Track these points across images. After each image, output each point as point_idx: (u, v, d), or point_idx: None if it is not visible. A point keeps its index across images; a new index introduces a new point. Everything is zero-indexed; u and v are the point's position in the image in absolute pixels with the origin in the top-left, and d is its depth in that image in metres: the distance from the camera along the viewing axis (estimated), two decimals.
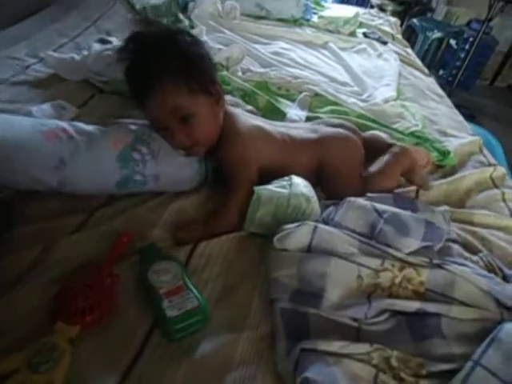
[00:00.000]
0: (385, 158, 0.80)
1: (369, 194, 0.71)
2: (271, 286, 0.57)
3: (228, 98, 1.00)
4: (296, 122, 0.97)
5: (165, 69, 0.66)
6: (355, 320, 0.54)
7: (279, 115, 1.03)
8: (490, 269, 0.63)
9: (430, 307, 0.53)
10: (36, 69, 1.09)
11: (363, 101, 1.18)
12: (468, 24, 3.14)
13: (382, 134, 0.94)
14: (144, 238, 0.64)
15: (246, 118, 0.80)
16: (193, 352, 0.50)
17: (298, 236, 0.60)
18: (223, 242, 0.65)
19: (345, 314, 0.54)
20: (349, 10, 1.93)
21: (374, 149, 0.85)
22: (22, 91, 0.99)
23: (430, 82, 1.47)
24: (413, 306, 0.53)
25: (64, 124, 0.69)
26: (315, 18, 1.83)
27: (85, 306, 0.49)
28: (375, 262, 0.56)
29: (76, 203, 0.68)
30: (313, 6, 1.95)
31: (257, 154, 0.75)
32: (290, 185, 0.67)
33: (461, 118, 1.25)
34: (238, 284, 0.60)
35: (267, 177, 0.73)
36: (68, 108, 0.90)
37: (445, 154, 0.96)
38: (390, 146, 0.84)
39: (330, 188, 0.78)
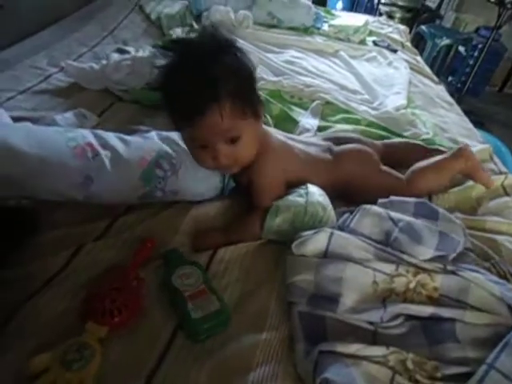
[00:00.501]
0: (440, 156, 0.83)
1: (392, 198, 0.72)
2: (289, 290, 0.59)
3: None
4: (309, 135, 0.98)
5: (224, 89, 0.61)
6: (371, 323, 0.56)
7: (292, 123, 1.05)
8: (502, 275, 0.64)
9: (444, 312, 0.55)
10: (57, 78, 1.13)
11: (374, 109, 1.20)
12: (477, 31, 3.15)
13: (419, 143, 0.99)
14: (165, 244, 0.66)
15: (275, 134, 0.80)
16: (215, 353, 0.52)
17: (314, 242, 0.62)
18: (241, 248, 0.68)
19: (361, 317, 0.56)
20: (358, 19, 1.95)
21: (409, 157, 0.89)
22: (44, 100, 1.03)
23: (440, 90, 1.49)
24: (427, 310, 0.55)
25: (90, 137, 0.70)
26: (326, 27, 1.85)
27: (112, 308, 0.52)
28: (390, 268, 0.58)
29: (98, 210, 0.70)
30: (323, 14, 1.98)
31: (284, 172, 0.76)
32: (307, 193, 0.70)
33: (470, 125, 1.26)
34: (256, 289, 0.62)
35: (288, 188, 0.75)
36: (89, 116, 0.94)
37: None
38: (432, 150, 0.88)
39: (361, 199, 0.74)
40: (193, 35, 0.69)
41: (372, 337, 0.55)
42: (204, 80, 0.61)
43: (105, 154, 0.69)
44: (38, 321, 0.53)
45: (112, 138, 0.72)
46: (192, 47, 0.66)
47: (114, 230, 0.68)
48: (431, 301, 0.57)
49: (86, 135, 0.70)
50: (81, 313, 0.53)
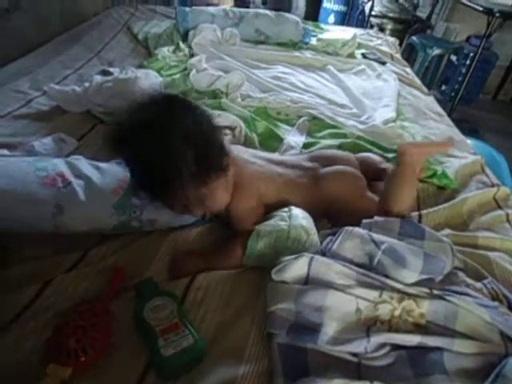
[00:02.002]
0: (392, 173, 0.76)
1: (376, 218, 0.69)
2: (268, 320, 0.56)
3: (231, 118, 1.01)
4: (294, 153, 0.97)
5: (182, 171, 0.61)
6: (355, 355, 0.53)
7: (277, 141, 1.03)
8: (494, 296, 0.61)
9: (432, 341, 0.51)
10: (39, 102, 1.12)
11: (362, 123, 1.19)
12: (467, 40, 3.16)
13: (373, 156, 0.95)
14: (141, 273, 0.63)
15: (246, 161, 0.78)
16: None
17: (294, 268, 0.59)
18: (221, 274, 0.65)
19: (344, 349, 0.53)
20: (347, 32, 1.95)
21: (366, 172, 0.86)
22: (24, 124, 1.01)
23: (430, 101, 1.47)
24: (414, 339, 0.52)
25: (62, 165, 0.68)
26: (314, 41, 1.85)
27: (77, 347, 0.49)
28: (373, 294, 0.55)
29: (71, 242, 0.67)
30: (312, 28, 1.98)
31: (261, 197, 0.74)
32: (290, 216, 0.67)
33: (461, 136, 1.24)
34: (236, 318, 0.59)
35: (268, 210, 0.73)
36: (68, 141, 0.92)
37: (444, 177, 0.95)
38: (384, 170, 0.83)
39: (342, 222, 0.72)
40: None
41: (356, 369, 0.52)
42: (163, 166, 0.61)
43: (77, 183, 0.67)
44: (6, 360, 0.50)
45: (86, 166, 0.71)
46: (137, 143, 0.62)
47: (86, 261, 0.65)
48: (418, 328, 0.54)
49: (58, 164, 0.69)
50: (44, 353, 0.50)
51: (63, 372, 0.47)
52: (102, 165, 0.72)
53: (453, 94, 2.96)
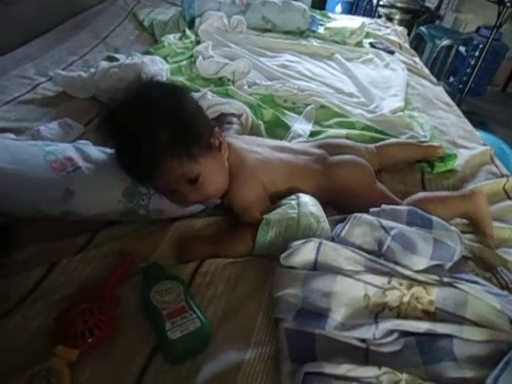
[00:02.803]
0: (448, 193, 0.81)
1: (384, 206, 0.68)
2: (275, 305, 0.56)
3: (237, 104, 1.00)
4: (301, 141, 0.95)
5: (161, 149, 0.62)
6: (363, 341, 0.53)
7: (284, 129, 1.02)
8: (504, 286, 0.61)
9: (441, 328, 0.51)
10: (45, 87, 1.11)
11: (370, 112, 1.17)
12: (477, 31, 3.11)
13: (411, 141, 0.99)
14: (147, 258, 0.63)
15: (250, 150, 0.77)
16: (195, 375, 0.48)
17: (303, 253, 0.58)
18: (228, 260, 0.64)
19: (352, 334, 0.52)
20: (355, 21, 1.92)
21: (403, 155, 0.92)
22: (30, 110, 1.00)
23: (438, 91, 1.45)
24: (422, 326, 0.51)
25: (70, 150, 0.68)
26: (321, 30, 1.82)
27: (84, 329, 0.49)
28: (382, 280, 0.55)
29: (77, 226, 0.67)
30: (319, 17, 1.96)
31: (266, 185, 0.73)
32: (298, 204, 0.66)
33: (471, 127, 1.22)
34: (243, 303, 0.59)
35: (276, 199, 0.72)
36: (74, 126, 0.91)
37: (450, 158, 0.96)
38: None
39: (348, 211, 0.72)
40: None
41: (364, 355, 0.52)
42: (140, 146, 0.62)
43: (86, 166, 0.66)
44: (7, 343, 0.50)
45: (94, 151, 0.70)
46: (119, 120, 0.64)
47: (93, 244, 0.65)
48: (427, 315, 0.53)
49: (66, 149, 0.68)
50: (51, 334, 0.50)
51: (71, 354, 0.47)
52: (110, 151, 0.71)
53: (461, 85, 2.92)
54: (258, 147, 0.80)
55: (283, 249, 0.61)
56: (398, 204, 0.72)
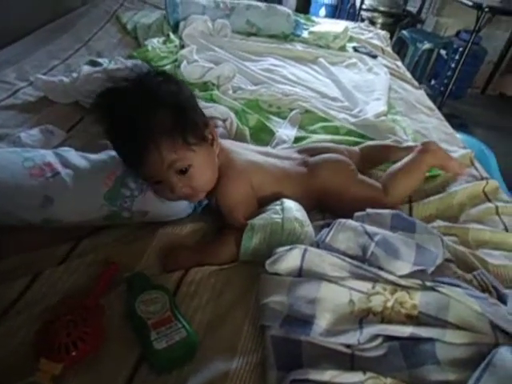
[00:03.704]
0: (407, 157, 0.84)
1: (368, 210, 0.69)
2: (261, 312, 0.56)
3: (222, 109, 1.01)
4: (285, 147, 0.96)
5: (158, 127, 0.61)
6: (348, 346, 0.53)
7: (269, 134, 1.03)
8: (484, 288, 0.62)
9: (424, 332, 0.52)
10: (26, 92, 1.09)
11: (354, 116, 1.19)
12: (457, 35, 3.18)
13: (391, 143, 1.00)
14: (132, 267, 0.62)
15: (239, 152, 0.77)
16: None
17: (288, 259, 0.59)
18: (213, 268, 0.64)
19: (337, 340, 0.53)
20: (338, 25, 1.94)
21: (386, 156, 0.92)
22: (10, 116, 0.98)
23: (420, 95, 1.48)
24: (406, 330, 0.52)
25: (49, 156, 0.67)
26: (305, 34, 1.84)
27: (68, 342, 0.48)
28: (367, 286, 0.55)
29: (61, 234, 0.66)
30: (303, 21, 1.97)
31: (254, 188, 0.73)
32: (283, 209, 0.67)
33: (451, 130, 1.25)
34: (229, 311, 0.58)
35: (262, 204, 0.72)
36: (56, 132, 0.90)
37: None
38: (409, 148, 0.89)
39: (335, 210, 0.77)
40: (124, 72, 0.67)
41: (349, 360, 0.52)
42: (136, 125, 0.61)
43: (66, 172, 0.65)
44: None
45: (74, 156, 0.69)
46: (119, 96, 0.64)
47: (76, 253, 0.64)
48: (410, 319, 0.54)
49: (45, 154, 0.67)
50: (34, 348, 0.49)
51: (54, 368, 0.46)
52: (92, 156, 0.70)
53: (442, 88, 2.98)
54: (246, 150, 0.80)
55: (268, 254, 0.61)
56: (378, 190, 0.79)
